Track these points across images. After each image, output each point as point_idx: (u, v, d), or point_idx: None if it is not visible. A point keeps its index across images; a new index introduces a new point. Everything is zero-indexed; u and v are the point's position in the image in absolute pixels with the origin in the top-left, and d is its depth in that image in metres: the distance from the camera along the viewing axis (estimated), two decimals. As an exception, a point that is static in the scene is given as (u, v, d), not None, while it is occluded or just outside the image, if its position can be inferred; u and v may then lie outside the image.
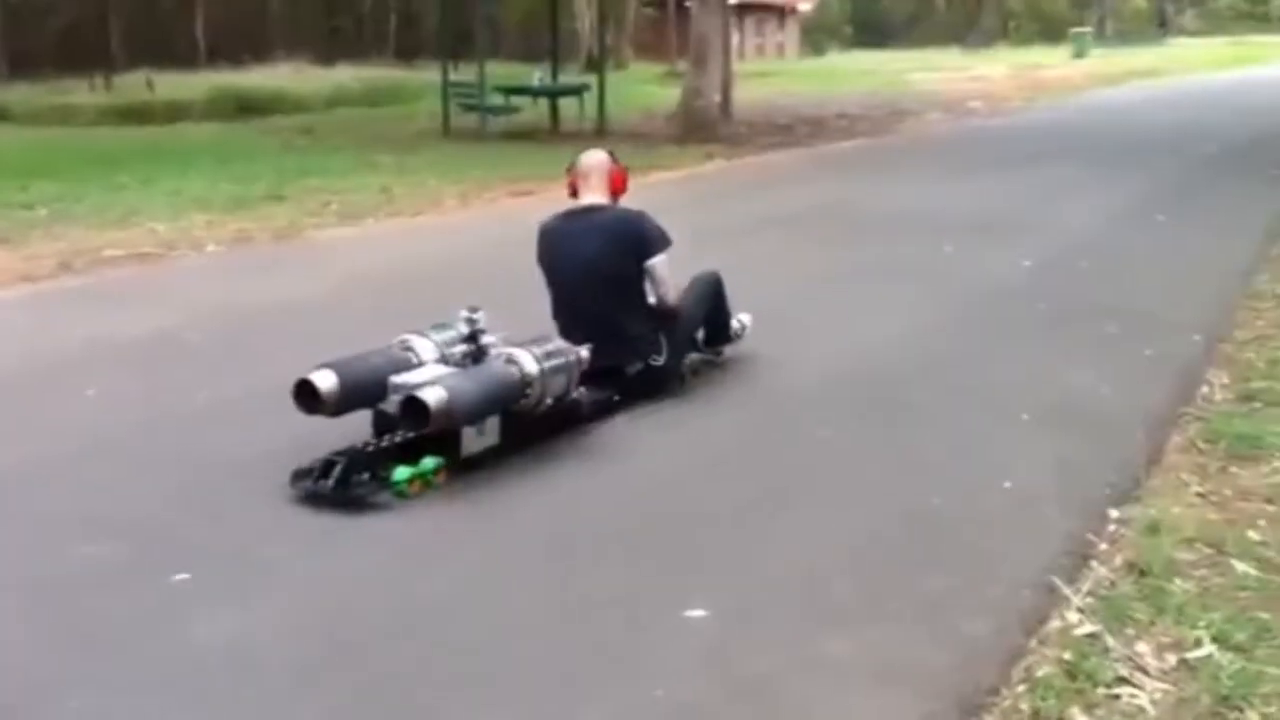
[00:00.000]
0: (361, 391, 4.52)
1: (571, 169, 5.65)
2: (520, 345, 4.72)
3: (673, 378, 5.57)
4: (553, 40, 22.08)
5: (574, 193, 5.60)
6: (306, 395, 4.43)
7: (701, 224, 10.85)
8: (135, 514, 4.18)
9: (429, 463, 4.29)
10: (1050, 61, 44.32)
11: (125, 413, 5.40)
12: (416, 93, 25.17)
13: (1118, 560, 3.91)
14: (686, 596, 3.50)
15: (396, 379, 4.53)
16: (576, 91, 20.31)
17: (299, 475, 4.26)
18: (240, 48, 31.04)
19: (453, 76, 19.34)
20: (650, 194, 13.25)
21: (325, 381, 4.42)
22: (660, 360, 5.44)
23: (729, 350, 6.07)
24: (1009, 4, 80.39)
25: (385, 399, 4.52)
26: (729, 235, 10.08)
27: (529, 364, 4.64)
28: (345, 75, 29.06)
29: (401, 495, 4.19)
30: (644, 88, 28.69)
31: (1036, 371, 6.10)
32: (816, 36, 65.71)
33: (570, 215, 5.53)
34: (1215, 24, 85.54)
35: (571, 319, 5.30)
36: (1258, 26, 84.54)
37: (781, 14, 59.17)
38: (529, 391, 4.63)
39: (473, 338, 4.82)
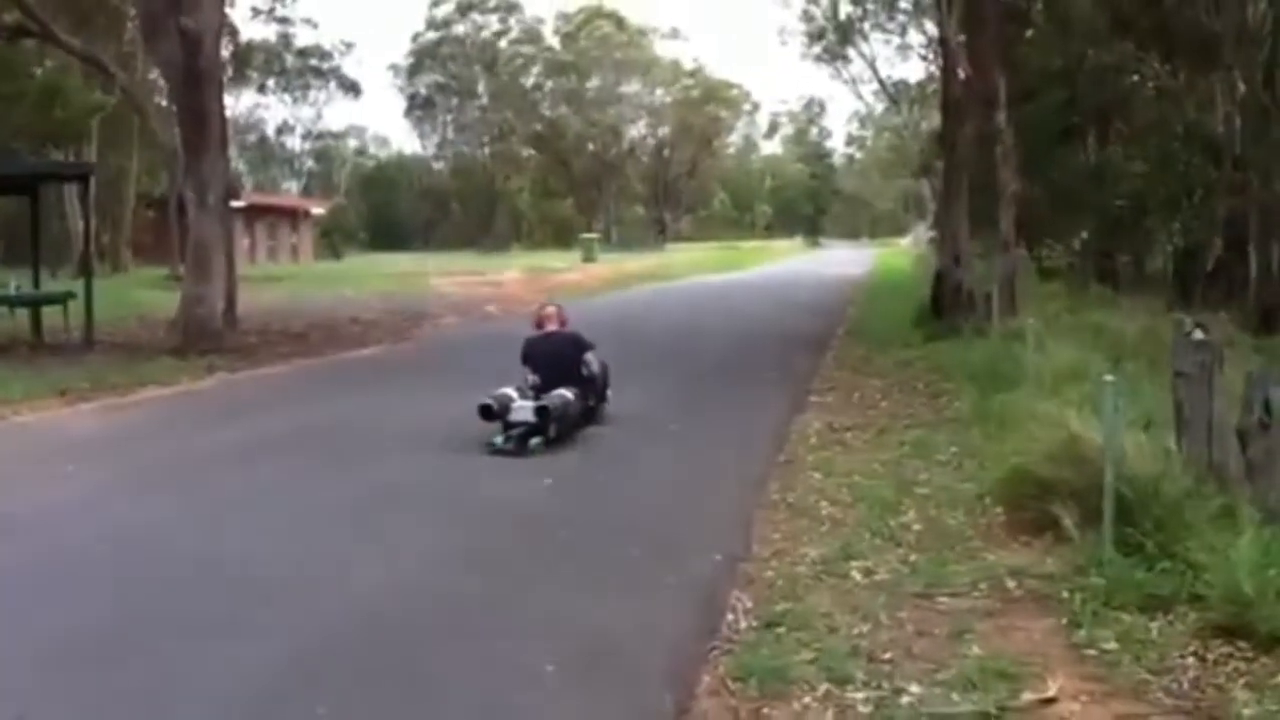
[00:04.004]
0: (503, 411, 9.53)
1: (539, 314, 11.09)
2: (562, 389, 9.86)
3: (600, 412, 10.72)
4: (34, 243, 20.18)
5: (539, 325, 10.88)
6: (486, 411, 9.48)
7: (193, 449, 9.86)
8: None
9: (539, 439, 9.41)
10: (562, 265, 46.41)
11: None
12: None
13: None
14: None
15: (514, 404, 9.59)
16: (60, 300, 18.49)
17: (490, 445, 9.35)
18: None
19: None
20: (137, 414, 12.14)
21: (497, 405, 9.51)
22: (594, 403, 10.60)
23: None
24: (520, 209, 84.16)
25: (510, 413, 9.52)
26: (223, 461, 9.20)
27: (571, 395, 9.89)
28: None
29: (533, 453, 9.27)
30: (143, 293, 26.94)
31: (561, 611, 5.64)
32: (333, 239, 65.63)
33: (544, 335, 10.74)
34: (707, 229, 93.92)
35: (548, 387, 9.94)
36: (744, 233, 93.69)
37: (295, 216, 58.57)
38: (570, 408, 9.79)
39: (534, 388, 9.92)
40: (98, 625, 5.44)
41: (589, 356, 10.53)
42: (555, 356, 10.34)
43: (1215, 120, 25.03)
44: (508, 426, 9.48)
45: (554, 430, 9.52)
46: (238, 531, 7.14)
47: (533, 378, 10.10)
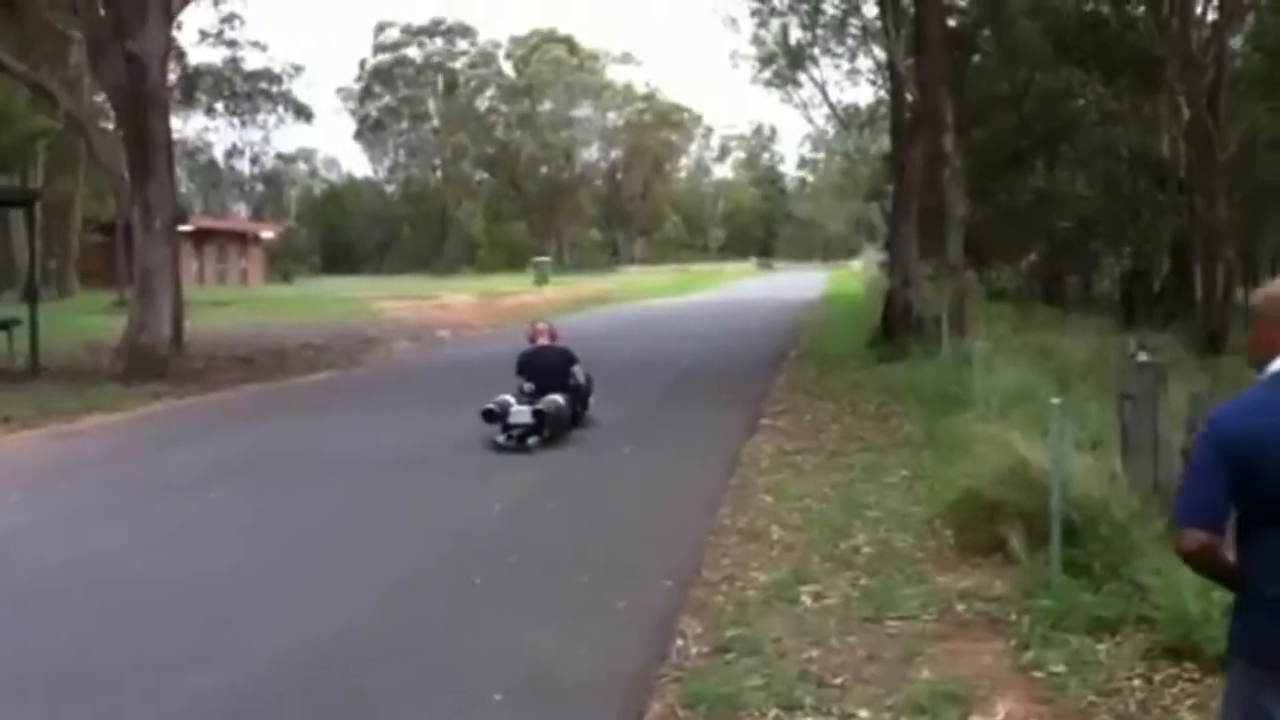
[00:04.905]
0: (503, 414, 10.71)
1: (532, 330, 12.39)
2: (554, 395, 11.03)
3: (583, 418, 11.88)
4: (-24, 270, 19.94)
5: (533, 340, 12.08)
6: (489, 414, 10.76)
7: (143, 476, 9.79)
8: None
9: (536, 438, 10.64)
10: (514, 288, 46.17)
11: None
12: None
13: None
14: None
15: (513, 409, 10.76)
16: (4, 326, 18.19)
17: (494, 443, 10.59)
18: None
19: None
20: (83, 442, 11.99)
21: (498, 408, 10.73)
22: (581, 409, 11.80)
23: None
24: (472, 232, 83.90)
25: (509, 416, 10.68)
26: (170, 488, 9.11)
27: (562, 400, 11.11)
28: None
29: (529, 450, 10.50)
30: (90, 318, 26.50)
31: (510, 638, 5.60)
32: (283, 263, 65.12)
33: (537, 349, 11.90)
34: (662, 252, 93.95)
35: (541, 394, 11.00)
36: (698, 255, 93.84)
37: (244, 240, 58.06)
38: (561, 412, 11.01)
39: (530, 394, 11.02)
40: (46, 655, 5.36)
41: (576, 369, 11.78)
42: (547, 367, 11.57)
43: (1160, 144, 25.43)
44: (507, 428, 10.64)
45: (548, 431, 10.68)
46: (183, 559, 7.05)
47: (528, 385, 11.20)
